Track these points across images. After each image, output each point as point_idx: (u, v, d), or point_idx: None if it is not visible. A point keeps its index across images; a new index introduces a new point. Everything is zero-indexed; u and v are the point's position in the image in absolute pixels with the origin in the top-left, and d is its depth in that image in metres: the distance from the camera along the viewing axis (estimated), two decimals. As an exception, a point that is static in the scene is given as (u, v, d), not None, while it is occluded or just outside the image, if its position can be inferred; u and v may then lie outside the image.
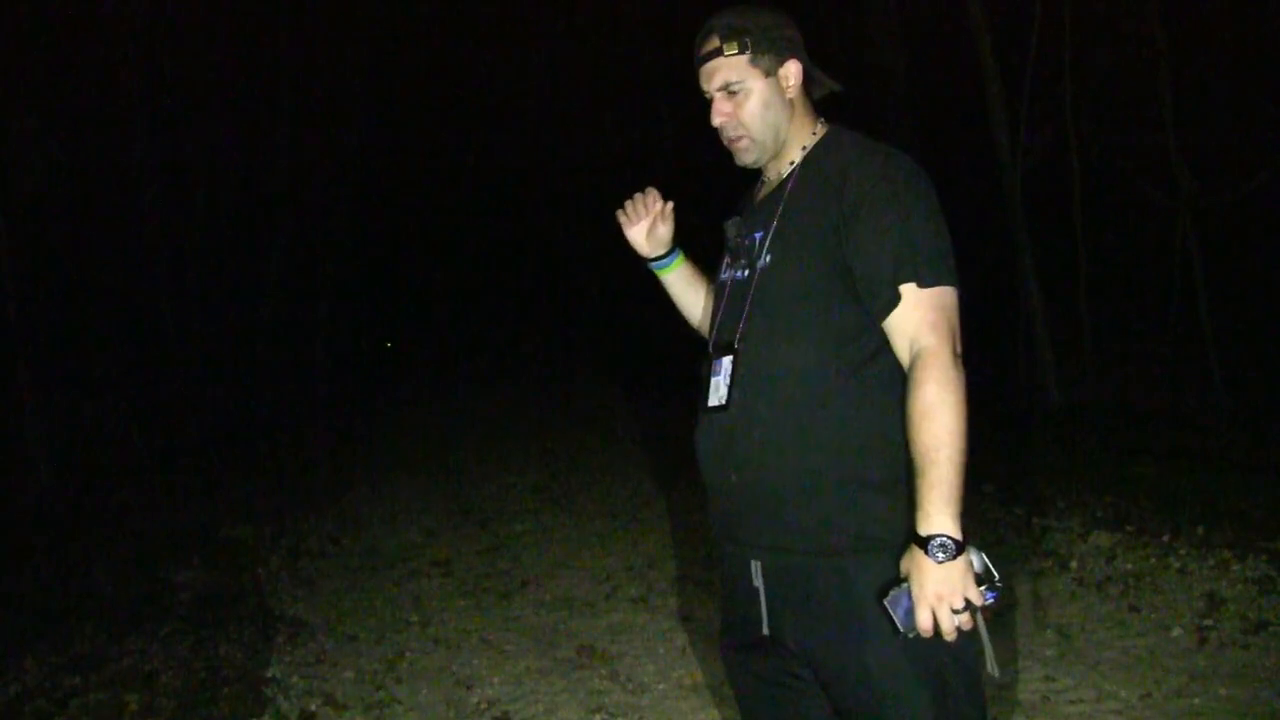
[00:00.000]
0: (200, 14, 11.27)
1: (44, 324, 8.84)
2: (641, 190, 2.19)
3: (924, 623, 1.67)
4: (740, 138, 1.90)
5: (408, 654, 4.35)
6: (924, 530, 1.67)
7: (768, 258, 1.85)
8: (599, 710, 3.64)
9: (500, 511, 6.84)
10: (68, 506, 7.58)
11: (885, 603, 1.70)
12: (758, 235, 1.90)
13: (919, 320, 1.72)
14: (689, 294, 2.24)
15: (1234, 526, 4.79)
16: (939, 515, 1.66)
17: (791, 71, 1.90)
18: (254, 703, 3.89)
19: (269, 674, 4.19)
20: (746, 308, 1.85)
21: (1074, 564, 4.64)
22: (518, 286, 21.66)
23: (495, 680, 4.01)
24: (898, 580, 1.71)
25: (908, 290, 1.72)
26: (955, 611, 1.66)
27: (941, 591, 1.65)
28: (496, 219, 20.20)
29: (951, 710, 1.76)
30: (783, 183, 1.91)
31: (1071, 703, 3.36)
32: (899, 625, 1.70)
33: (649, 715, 3.58)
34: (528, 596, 5.06)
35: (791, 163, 1.92)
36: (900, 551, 1.72)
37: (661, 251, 2.20)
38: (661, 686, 3.80)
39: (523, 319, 20.72)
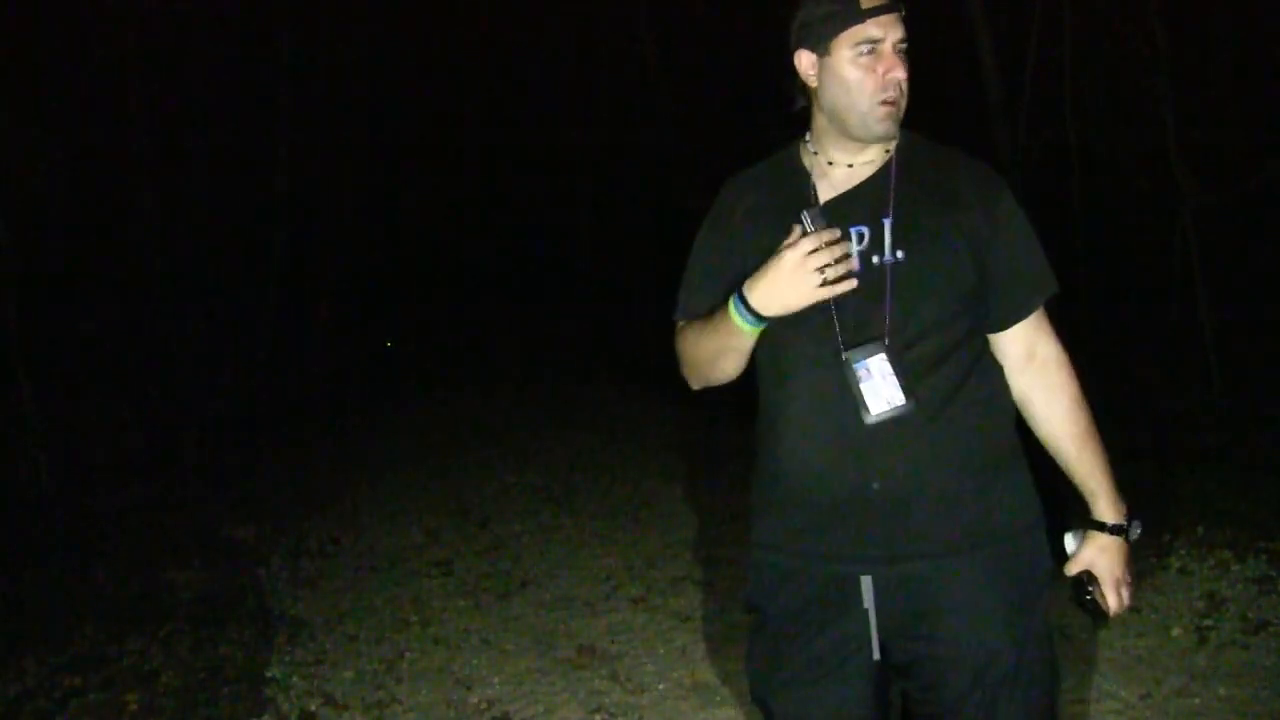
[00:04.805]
0: (200, 12, 11.27)
1: (44, 324, 8.83)
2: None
3: (1118, 603, 1.79)
4: (897, 102, 1.80)
5: (408, 654, 4.36)
6: (1115, 516, 1.81)
7: (899, 253, 1.79)
8: (599, 710, 3.65)
9: (500, 511, 6.83)
10: (68, 506, 7.57)
11: (1085, 599, 1.79)
12: (862, 229, 1.80)
13: (1043, 327, 1.88)
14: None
15: (1234, 526, 4.79)
16: (1120, 498, 1.83)
17: None
18: (254, 703, 3.90)
19: (269, 674, 4.20)
20: (888, 303, 1.77)
21: (1074, 564, 4.64)
22: (517, 286, 21.68)
23: (495, 680, 4.01)
24: (1078, 574, 1.81)
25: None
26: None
27: (1130, 569, 1.81)
28: (496, 218, 20.20)
29: (1059, 699, 1.86)
30: (880, 177, 1.84)
31: (1071, 703, 3.36)
32: (1102, 612, 1.77)
33: (649, 715, 3.59)
34: (528, 596, 5.06)
35: (887, 151, 1.86)
36: (1016, 539, 1.83)
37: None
38: (661, 686, 3.81)
39: (522, 319, 20.75)
